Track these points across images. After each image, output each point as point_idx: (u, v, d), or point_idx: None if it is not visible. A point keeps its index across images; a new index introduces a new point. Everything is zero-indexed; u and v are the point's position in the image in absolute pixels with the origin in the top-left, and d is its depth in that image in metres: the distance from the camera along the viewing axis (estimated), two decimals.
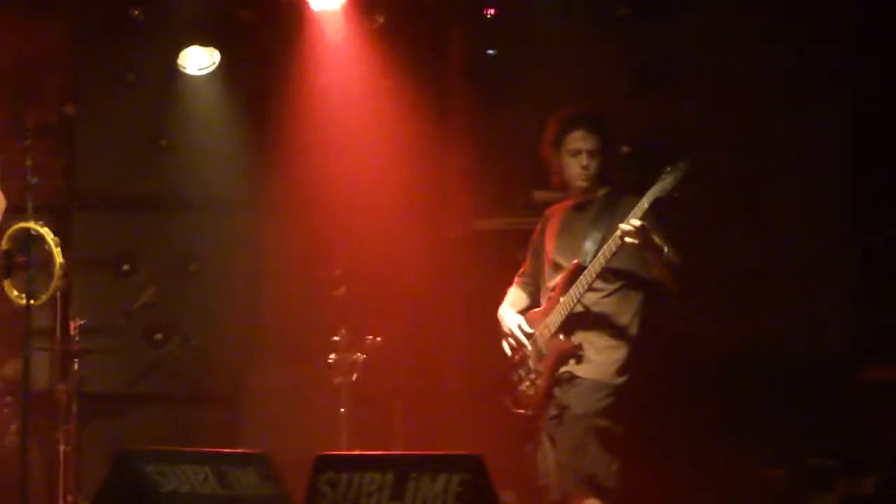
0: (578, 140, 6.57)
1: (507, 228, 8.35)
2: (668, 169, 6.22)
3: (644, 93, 8.24)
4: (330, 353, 7.89)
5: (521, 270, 6.95)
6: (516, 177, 8.34)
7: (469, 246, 8.52)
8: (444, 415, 8.42)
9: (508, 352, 6.69)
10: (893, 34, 8.00)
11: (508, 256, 7.78)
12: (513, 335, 6.69)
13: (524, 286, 6.92)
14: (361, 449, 7.44)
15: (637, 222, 6.15)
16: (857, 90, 8.20)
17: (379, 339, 7.95)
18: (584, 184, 6.58)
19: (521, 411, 6.62)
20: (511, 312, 6.80)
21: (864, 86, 8.15)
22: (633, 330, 6.52)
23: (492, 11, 8.48)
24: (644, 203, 6.22)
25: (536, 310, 6.74)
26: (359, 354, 7.86)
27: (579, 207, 6.70)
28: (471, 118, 8.71)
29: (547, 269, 6.72)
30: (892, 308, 7.93)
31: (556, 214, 6.80)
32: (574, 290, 6.48)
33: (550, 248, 6.71)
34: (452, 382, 8.49)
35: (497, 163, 8.58)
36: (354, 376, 7.84)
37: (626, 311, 6.53)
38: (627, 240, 6.18)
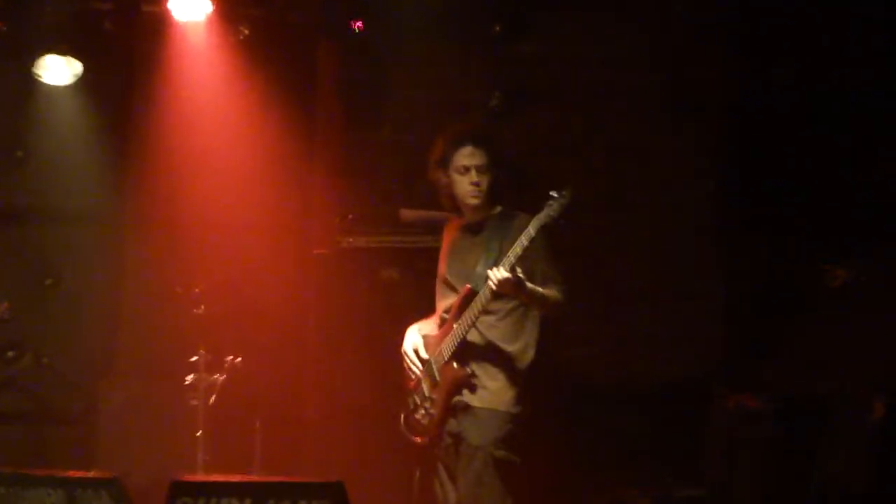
0: (466, 157, 6.39)
1: (373, 246, 8.20)
2: (554, 195, 6.04)
3: (513, 113, 8.18)
4: (188, 373, 7.69)
5: (437, 295, 6.75)
6: (383, 195, 8.31)
7: (335, 263, 8.30)
8: (305, 438, 8.29)
9: (414, 375, 6.53)
10: (764, 55, 8.04)
11: (374, 275, 7.84)
12: (406, 358, 6.52)
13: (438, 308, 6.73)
14: (219, 472, 7.28)
15: (502, 274, 5.96)
16: (727, 115, 8.23)
17: (239, 359, 7.73)
18: (475, 201, 6.39)
19: (417, 439, 6.45)
20: (413, 334, 6.60)
21: (736, 109, 8.17)
22: (530, 354, 6.35)
23: (359, 24, 8.35)
24: (531, 231, 6.03)
25: (434, 333, 6.56)
26: (217, 375, 7.65)
27: (470, 227, 6.52)
28: (338, 134, 8.58)
29: (440, 288, 6.57)
30: (755, 334, 7.91)
31: (449, 232, 6.65)
32: (466, 317, 6.30)
33: (443, 267, 6.56)
34: (315, 405, 8.33)
35: (364, 180, 8.49)
36: (213, 398, 7.64)
37: (522, 334, 6.36)
38: (495, 289, 6.04)
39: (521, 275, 5.97)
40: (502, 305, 6.31)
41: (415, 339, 6.52)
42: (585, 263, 7.78)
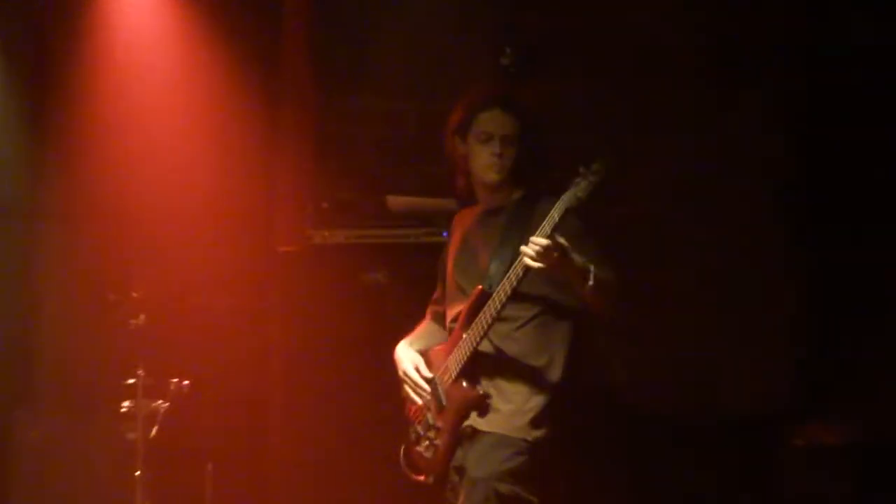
0: (491, 121, 5.89)
1: (353, 242, 7.58)
2: (581, 171, 5.47)
3: (526, 76, 7.48)
4: (123, 399, 7.15)
5: (434, 296, 6.28)
6: (365, 180, 7.73)
7: (305, 264, 7.65)
8: (267, 480, 7.78)
9: (418, 400, 6.02)
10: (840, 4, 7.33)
11: (355, 278, 7.44)
12: (407, 380, 6.01)
13: (437, 316, 6.24)
14: None
15: (543, 241, 5.42)
16: (793, 83, 7.47)
17: (186, 382, 7.18)
18: (495, 176, 5.88)
19: (421, 478, 5.93)
20: (408, 350, 6.11)
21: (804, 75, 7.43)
22: (556, 372, 5.76)
23: None
24: (554, 215, 5.46)
25: (439, 347, 6.04)
26: (160, 402, 7.17)
27: (489, 215, 6.01)
28: (310, 103, 7.88)
29: (450, 293, 6.07)
30: (836, 359, 7.23)
31: (461, 223, 6.15)
32: (478, 324, 5.76)
33: (451, 266, 6.07)
34: (280, 438, 7.77)
35: (341, 163, 7.84)
36: (154, 430, 7.12)
37: (546, 347, 5.80)
38: (533, 265, 5.46)
39: (563, 241, 5.42)
40: (522, 311, 5.77)
41: (412, 355, 6.05)
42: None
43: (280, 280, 7.84)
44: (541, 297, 5.75)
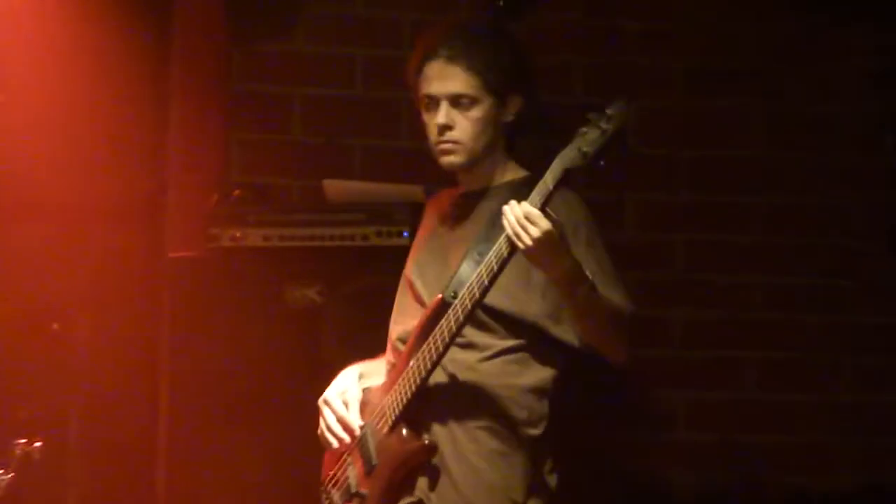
0: (433, 80, 4.77)
1: (275, 245, 6.27)
2: (591, 117, 4.30)
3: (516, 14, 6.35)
4: None
5: (394, 315, 5.23)
6: (293, 158, 6.59)
7: (207, 275, 6.28)
8: None
9: (333, 442, 5.06)
10: None
11: (278, 296, 6.12)
12: (326, 425, 4.90)
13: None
14: None
15: (532, 210, 4.32)
16: None
17: (38, 443, 5.74)
18: (447, 158, 4.80)
19: None
20: (348, 379, 4.99)
21: None
22: (535, 428, 4.69)
23: None
24: (547, 180, 4.32)
25: (377, 385, 4.98)
26: (0, 472, 5.77)
27: (469, 199, 4.94)
28: (215, 59, 6.67)
29: (401, 300, 5.01)
30: None
31: (435, 211, 5.12)
32: (431, 346, 4.66)
33: (410, 266, 5.02)
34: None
35: (261, 135, 6.65)
36: None
37: (522, 390, 4.69)
38: (518, 242, 4.36)
39: (555, 217, 4.37)
40: (489, 338, 4.66)
41: (348, 385, 4.93)
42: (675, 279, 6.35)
43: (171, 298, 6.41)
44: (524, 319, 4.60)
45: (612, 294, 4.55)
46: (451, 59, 4.64)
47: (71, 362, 6.51)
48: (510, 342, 4.64)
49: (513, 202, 4.37)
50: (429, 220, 5.00)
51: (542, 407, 4.67)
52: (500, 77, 4.68)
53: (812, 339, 6.42)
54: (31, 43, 6.64)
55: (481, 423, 4.65)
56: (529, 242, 4.25)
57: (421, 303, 4.82)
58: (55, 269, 6.53)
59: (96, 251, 6.54)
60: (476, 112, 4.64)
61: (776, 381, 6.44)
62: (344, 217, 6.14)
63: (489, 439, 4.63)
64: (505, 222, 4.34)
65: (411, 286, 4.91)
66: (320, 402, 4.93)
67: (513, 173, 4.74)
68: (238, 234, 6.17)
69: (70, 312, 6.55)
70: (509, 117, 4.67)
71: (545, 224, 4.22)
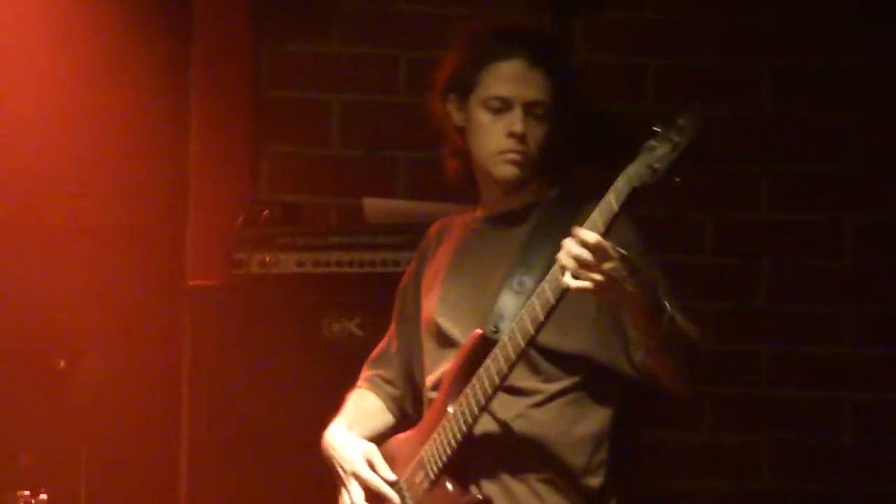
0: (511, 79, 4.43)
1: (310, 272, 5.87)
2: (659, 130, 3.91)
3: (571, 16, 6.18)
4: None
5: (372, 355, 4.86)
6: (329, 174, 6.26)
7: (233, 306, 5.86)
8: None
9: None
10: None
11: (315, 329, 5.73)
12: (357, 482, 4.54)
13: (377, 386, 4.85)
14: None
15: (592, 237, 3.93)
16: None
17: (43, 495, 5.52)
18: (513, 170, 4.43)
19: None
20: (351, 438, 4.67)
21: None
22: (595, 476, 4.38)
23: None
24: (611, 201, 3.95)
25: (405, 434, 4.66)
26: None
27: (498, 223, 4.58)
28: (243, 62, 6.33)
29: (427, 346, 4.63)
30: None
31: (448, 237, 4.76)
32: (474, 390, 4.31)
33: (431, 304, 4.62)
34: None
35: (293, 147, 6.29)
36: None
37: (580, 436, 4.41)
38: (574, 284, 3.95)
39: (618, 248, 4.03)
40: (540, 382, 4.36)
41: (360, 445, 4.62)
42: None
43: (192, 332, 6.00)
44: (579, 355, 4.31)
45: (683, 320, 4.19)
46: (535, 62, 4.36)
47: (79, 404, 6.13)
48: (563, 383, 4.36)
49: (576, 230, 3.98)
50: (448, 245, 4.68)
51: (602, 452, 4.38)
52: (572, 90, 4.43)
53: None
54: (33, 66, 6.33)
55: (540, 475, 4.33)
56: (600, 278, 3.88)
57: (448, 340, 4.51)
58: (61, 299, 6.28)
59: (108, 279, 6.25)
60: (548, 124, 4.37)
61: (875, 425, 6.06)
62: (386, 240, 5.78)
63: (550, 493, 4.32)
64: (562, 255, 3.98)
65: (434, 325, 4.59)
66: (341, 474, 4.64)
67: (541, 191, 4.49)
68: (267, 260, 5.80)
69: (78, 348, 6.17)
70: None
71: (615, 254, 3.87)
